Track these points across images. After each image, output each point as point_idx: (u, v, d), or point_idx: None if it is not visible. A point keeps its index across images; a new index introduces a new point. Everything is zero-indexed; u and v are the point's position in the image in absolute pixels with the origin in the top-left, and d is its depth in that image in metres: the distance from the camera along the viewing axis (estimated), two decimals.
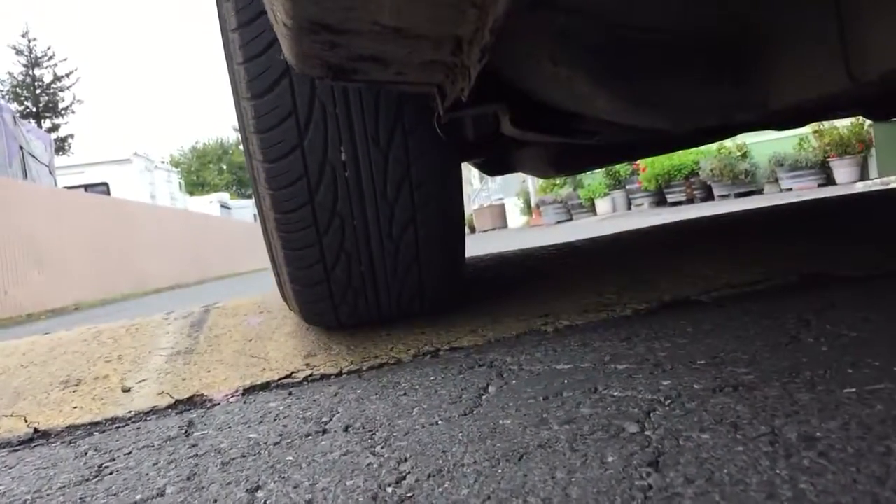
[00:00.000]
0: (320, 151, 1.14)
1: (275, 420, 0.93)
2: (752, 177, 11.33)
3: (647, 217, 8.12)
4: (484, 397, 0.86)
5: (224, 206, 27.15)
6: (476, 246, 5.25)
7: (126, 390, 1.21)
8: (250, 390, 1.12)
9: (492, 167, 1.75)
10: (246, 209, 28.09)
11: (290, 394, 1.07)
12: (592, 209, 14.32)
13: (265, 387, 1.14)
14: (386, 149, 1.16)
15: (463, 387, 0.93)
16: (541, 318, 1.26)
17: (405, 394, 0.94)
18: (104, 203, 10.75)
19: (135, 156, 20.56)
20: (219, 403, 1.08)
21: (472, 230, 19.34)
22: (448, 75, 0.96)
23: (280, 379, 1.15)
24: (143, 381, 1.24)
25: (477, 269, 1.79)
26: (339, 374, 1.14)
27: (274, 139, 1.13)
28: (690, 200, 12.21)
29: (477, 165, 1.75)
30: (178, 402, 1.11)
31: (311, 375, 1.15)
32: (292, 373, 1.17)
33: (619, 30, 0.97)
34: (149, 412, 1.08)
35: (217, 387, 1.15)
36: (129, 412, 1.08)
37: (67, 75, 30.40)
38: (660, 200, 13.15)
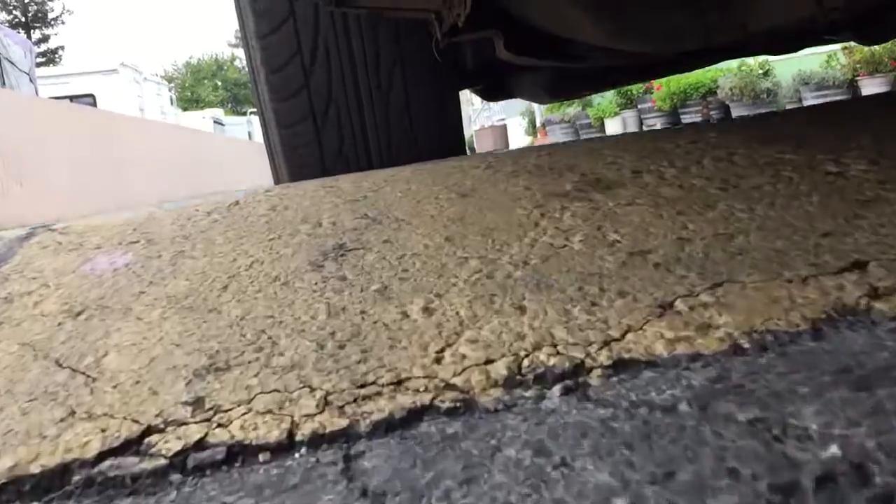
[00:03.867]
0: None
1: None
2: (773, 96, 11.03)
3: None
4: None
5: (217, 122, 26.85)
6: None
7: None
8: None
9: (490, 93, 1.86)
10: (240, 126, 27.83)
11: None
12: (602, 129, 14.04)
13: None
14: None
15: None
16: None
17: None
18: (89, 115, 10.66)
19: (122, 66, 20.12)
20: None
21: (473, 152, 19.11)
22: (445, 1, 1.06)
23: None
24: None
25: None
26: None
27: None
28: (707, 121, 12.19)
29: (476, 91, 1.86)
30: None
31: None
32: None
33: None
34: None
35: None
36: None
37: None
38: (674, 121, 12.89)
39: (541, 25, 1.14)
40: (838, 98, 10.09)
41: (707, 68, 10.83)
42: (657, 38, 1.11)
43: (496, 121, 20.27)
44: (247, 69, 1.46)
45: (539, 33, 1.16)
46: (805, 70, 10.60)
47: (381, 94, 1.30)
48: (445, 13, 1.06)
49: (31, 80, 12.62)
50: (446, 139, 1.39)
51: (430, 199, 0.93)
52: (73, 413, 0.54)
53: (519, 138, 18.59)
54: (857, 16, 1.09)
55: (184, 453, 0.48)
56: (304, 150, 1.30)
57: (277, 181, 1.53)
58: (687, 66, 1.78)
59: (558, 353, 0.53)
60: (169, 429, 0.50)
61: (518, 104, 18.25)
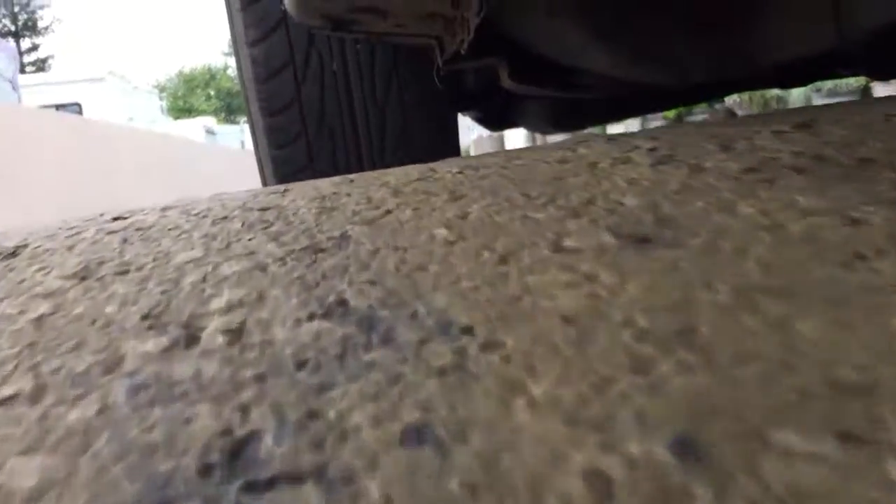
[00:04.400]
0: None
1: None
2: (783, 104, 10.98)
3: None
4: None
5: (209, 131, 26.88)
6: None
7: None
8: None
9: (492, 122, 1.80)
10: (232, 135, 27.85)
11: None
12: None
13: None
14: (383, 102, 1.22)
15: None
16: None
17: None
18: (74, 123, 10.51)
19: (109, 75, 20.02)
20: None
21: None
22: (447, 27, 1.01)
23: None
24: None
25: None
26: None
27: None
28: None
29: (477, 120, 1.80)
30: None
31: None
32: None
33: None
34: None
35: None
36: None
37: None
38: None
39: (545, 53, 1.09)
40: None
41: None
42: (664, 70, 1.06)
43: None
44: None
45: (544, 61, 1.11)
46: None
47: (377, 109, 1.25)
48: (447, 39, 1.01)
49: (13, 89, 12.49)
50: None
51: None
52: None
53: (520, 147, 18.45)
54: (876, 51, 1.06)
55: None
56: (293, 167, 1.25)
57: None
58: (695, 98, 1.74)
59: None
60: None
61: None
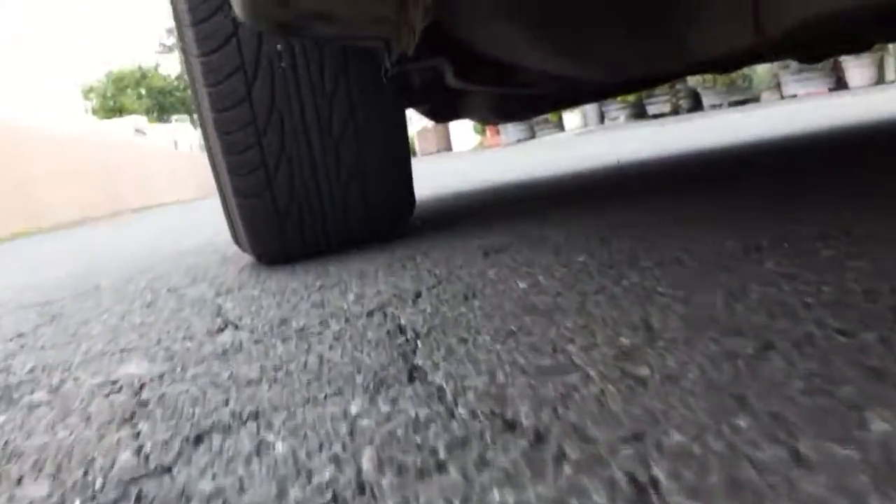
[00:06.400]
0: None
1: None
2: (749, 82, 10.12)
3: (626, 132, 7.59)
4: None
5: (139, 130, 26.19)
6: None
7: None
8: None
9: (437, 114, 1.87)
10: (164, 134, 27.25)
11: None
12: (560, 125, 13.39)
13: None
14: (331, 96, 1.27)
15: None
16: None
17: None
18: None
19: (25, 72, 19.13)
20: None
21: (415, 154, 18.82)
22: (394, 31, 1.07)
23: None
24: None
25: None
26: None
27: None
28: (675, 112, 11.07)
29: (423, 112, 1.87)
30: None
31: None
32: None
33: None
34: None
35: None
36: None
37: None
38: (639, 112, 11.97)
39: (488, 53, 1.16)
40: (823, 86, 8.99)
41: None
42: (600, 67, 1.15)
43: None
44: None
45: (487, 60, 1.18)
46: None
47: (325, 100, 1.30)
48: (394, 42, 1.07)
49: None
50: (391, 161, 1.39)
51: None
52: None
53: (466, 137, 18.04)
54: (796, 44, 1.16)
55: None
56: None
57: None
58: (629, 90, 1.85)
59: None
60: None
61: None
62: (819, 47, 1.43)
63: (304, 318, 0.90)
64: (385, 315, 0.84)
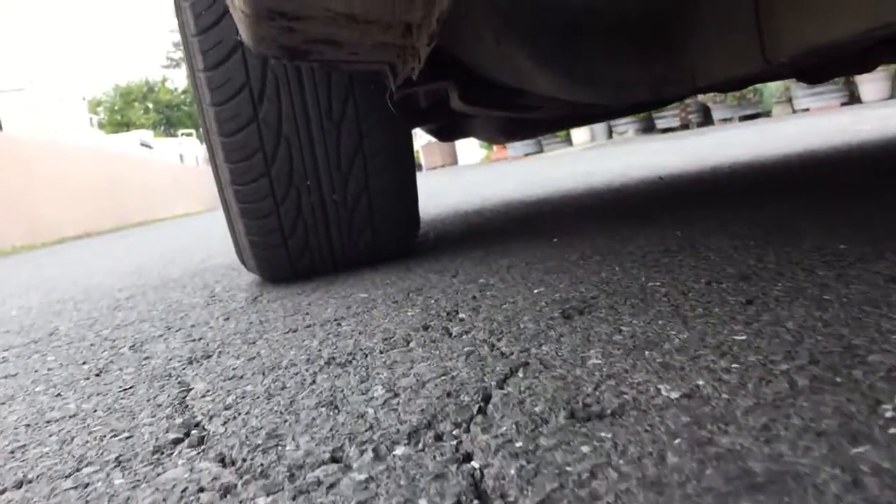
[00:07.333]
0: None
1: None
2: (760, 96, 9.99)
3: (636, 146, 7.43)
4: None
5: (144, 144, 26.37)
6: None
7: None
8: None
9: (444, 133, 1.88)
10: (170, 148, 27.45)
11: None
12: (568, 139, 13.43)
13: None
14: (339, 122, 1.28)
15: None
16: None
17: None
18: None
19: (31, 84, 19.23)
20: None
21: (420, 168, 18.82)
22: (399, 55, 1.07)
23: None
24: None
25: None
26: None
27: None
28: (685, 126, 11.03)
29: (430, 131, 1.88)
30: None
31: None
32: None
33: (557, 11, 1.10)
34: None
35: None
36: None
37: None
38: (647, 126, 11.89)
39: (494, 77, 1.16)
40: (836, 101, 8.86)
41: None
42: (609, 91, 1.15)
43: None
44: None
45: (493, 84, 1.19)
46: None
47: (332, 124, 1.31)
48: (399, 66, 1.07)
49: None
50: (399, 182, 1.40)
51: None
52: None
53: (472, 151, 18.00)
54: (800, 67, 1.17)
55: None
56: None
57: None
58: (637, 112, 1.86)
59: None
60: None
61: None
62: (825, 69, 1.44)
63: (303, 433, 0.59)
64: (440, 437, 0.53)
